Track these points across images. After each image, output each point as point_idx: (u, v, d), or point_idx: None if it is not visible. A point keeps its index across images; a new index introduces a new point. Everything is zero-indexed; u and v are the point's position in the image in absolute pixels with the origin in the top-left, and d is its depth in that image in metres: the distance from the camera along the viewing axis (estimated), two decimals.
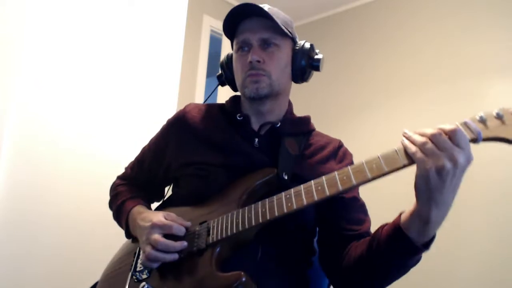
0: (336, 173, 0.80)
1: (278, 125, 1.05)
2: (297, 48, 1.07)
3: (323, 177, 0.81)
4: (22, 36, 1.56)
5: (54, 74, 1.64)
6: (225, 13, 1.03)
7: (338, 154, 1.09)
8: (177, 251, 0.90)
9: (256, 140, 1.04)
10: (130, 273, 0.98)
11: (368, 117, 3.13)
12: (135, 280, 0.95)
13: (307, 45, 1.08)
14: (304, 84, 1.15)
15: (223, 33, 1.10)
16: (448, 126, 0.71)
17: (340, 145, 1.12)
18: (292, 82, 1.12)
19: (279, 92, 1.05)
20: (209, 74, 3.29)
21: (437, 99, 2.77)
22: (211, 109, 1.14)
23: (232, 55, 1.12)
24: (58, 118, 1.64)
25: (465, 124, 0.73)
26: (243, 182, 0.96)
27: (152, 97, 1.93)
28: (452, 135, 0.70)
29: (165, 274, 0.92)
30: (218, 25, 3.29)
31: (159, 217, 0.95)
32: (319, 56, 1.09)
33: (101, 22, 1.79)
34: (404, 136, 0.75)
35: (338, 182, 0.78)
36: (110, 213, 1.18)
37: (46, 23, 1.63)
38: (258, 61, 1.00)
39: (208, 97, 1.35)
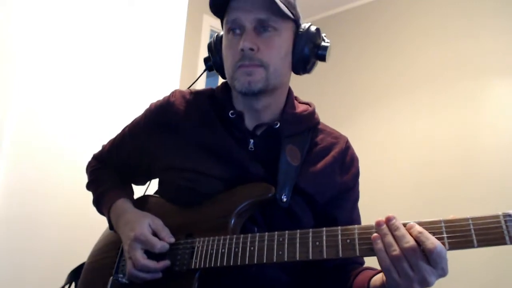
0: (339, 229, 0.71)
1: (277, 126, 0.89)
2: (301, 31, 0.89)
3: (324, 230, 0.72)
4: (22, 36, 1.56)
5: (54, 74, 1.64)
6: None
7: (345, 160, 0.95)
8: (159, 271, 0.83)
9: (252, 141, 0.90)
10: (112, 277, 0.90)
11: (374, 116, 3.11)
12: (116, 281, 0.90)
13: (313, 29, 0.90)
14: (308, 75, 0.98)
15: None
16: (428, 243, 0.63)
17: (347, 146, 0.98)
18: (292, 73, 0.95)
19: (276, 86, 0.89)
20: (209, 75, 3.29)
21: (440, 99, 2.77)
22: (199, 100, 0.97)
23: (222, 36, 0.94)
24: (58, 118, 1.64)
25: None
26: (236, 195, 0.85)
27: (152, 98, 1.92)
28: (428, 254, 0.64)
29: (144, 286, 0.85)
30: (218, 25, 3.27)
31: (143, 229, 0.85)
32: (326, 43, 0.92)
33: (101, 22, 1.79)
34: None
35: (340, 246, 0.70)
36: None
37: (46, 23, 1.62)
38: (252, 49, 0.83)
39: (194, 82, 1.21)
